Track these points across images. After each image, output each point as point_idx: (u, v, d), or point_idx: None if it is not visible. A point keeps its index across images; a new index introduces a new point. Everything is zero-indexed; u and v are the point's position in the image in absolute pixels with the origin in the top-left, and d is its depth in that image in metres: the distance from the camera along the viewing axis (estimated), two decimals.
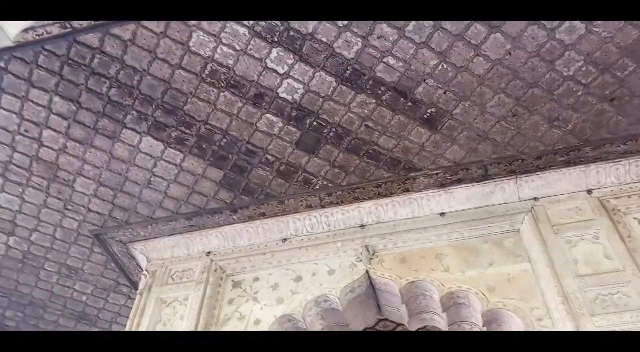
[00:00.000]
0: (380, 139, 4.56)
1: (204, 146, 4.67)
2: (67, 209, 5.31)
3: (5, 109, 4.36)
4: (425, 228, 5.04)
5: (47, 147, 4.67)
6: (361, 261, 5.06)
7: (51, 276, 6.16)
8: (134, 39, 3.89)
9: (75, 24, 3.73)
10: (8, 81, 4.12)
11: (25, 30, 3.32)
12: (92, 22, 3.67)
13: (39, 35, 3.75)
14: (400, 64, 4.02)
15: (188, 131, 4.54)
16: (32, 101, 4.30)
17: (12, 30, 2.71)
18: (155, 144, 4.65)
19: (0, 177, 4.98)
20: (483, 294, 4.50)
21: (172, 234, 5.56)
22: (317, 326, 4.96)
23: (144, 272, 5.60)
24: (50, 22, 3.23)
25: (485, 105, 4.29)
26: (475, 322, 4.71)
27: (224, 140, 4.62)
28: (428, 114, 4.37)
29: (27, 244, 5.74)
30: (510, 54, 3.95)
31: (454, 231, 4.97)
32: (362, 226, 5.21)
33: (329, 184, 4.97)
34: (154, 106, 4.35)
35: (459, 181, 4.89)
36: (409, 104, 4.29)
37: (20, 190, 5.10)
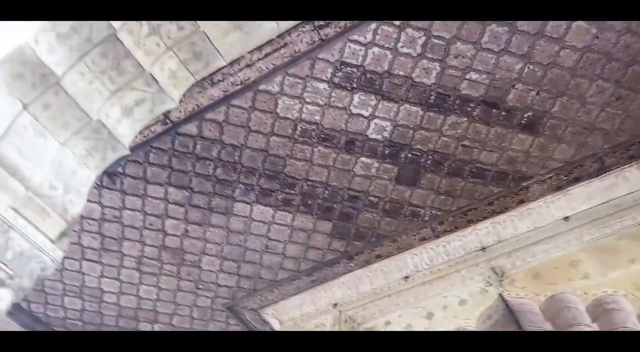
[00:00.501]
0: (481, 156, 4.45)
1: (309, 202, 4.81)
2: (198, 288, 5.63)
3: (130, 209, 4.80)
4: (551, 237, 4.76)
5: (171, 235, 5.05)
6: (491, 284, 4.86)
7: None
8: (227, 118, 4.17)
9: (173, 117, 4.09)
10: (128, 183, 4.56)
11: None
12: (188, 112, 3.99)
13: (145, 137, 4.14)
14: (484, 76, 3.96)
15: (292, 191, 4.71)
16: (150, 196, 4.71)
17: (126, 139, 3.02)
18: (265, 210, 4.86)
19: (136, 271, 5.42)
20: (633, 294, 4.14)
21: (297, 293, 5.69)
22: None
23: None
24: (152, 121, 3.56)
25: (584, 96, 4.07)
26: (632, 326, 4.30)
27: (326, 192, 4.73)
28: (525, 119, 4.21)
29: (170, 329, 6.13)
30: (597, 37, 3.75)
31: (583, 234, 4.64)
32: (483, 248, 5.02)
33: (438, 212, 4.88)
34: (257, 175, 4.58)
35: (576, 180, 4.60)
36: (503, 113, 4.17)
37: (155, 279, 5.51)
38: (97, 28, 2.74)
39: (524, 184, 4.65)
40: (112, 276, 5.57)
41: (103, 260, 5.41)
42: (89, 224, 4.92)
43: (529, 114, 4.18)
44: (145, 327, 6.12)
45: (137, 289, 5.67)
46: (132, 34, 2.84)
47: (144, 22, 2.76)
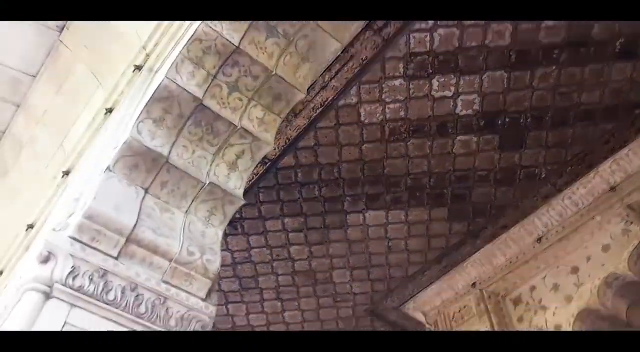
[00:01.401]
0: (583, 97, 4.20)
1: (417, 195, 4.80)
2: (337, 301, 5.83)
3: (256, 247, 5.10)
4: None
5: (299, 260, 5.28)
6: (632, 223, 4.55)
7: None
8: (318, 142, 4.31)
9: (270, 155, 4.28)
10: (248, 226, 4.86)
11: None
12: (282, 147, 4.17)
13: (251, 181, 4.37)
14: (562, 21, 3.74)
15: (398, 189, 4.74)
16: (270, 231, 4.97)
17: (239, 191, 3.22)
18: (377, 215, 4.93)
19: (277, 300, 5.73)
20: None
21: (431, 283, 5.68)
22: (622, 308, 4.52)
23: (427, 326, 5.76)
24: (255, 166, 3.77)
25: None
26: None
27: (432, 180, 4.70)
28: (619, 47, 3.91)
29: None
30: None
31: None
32: (612, 188, 4.70)
33: (554, 167, 4.66)
34: (360, 184, 4.66)
35: None
36: (592, 49, 3.90)
37: (296, 304, 5.78)
38: (185, 103, 2.95)
39: (637, 111, 4.31)
40: (257, 311, 5.93)
41: (245, 299, 5.78)
42: (225, 270, 5.26)
43: (621, 41, 3.87)
44: None
45: (283, 317, 5.98)
46: (215, 97, 3.03)
47: (223, 85, 2.94)
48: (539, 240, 5.10)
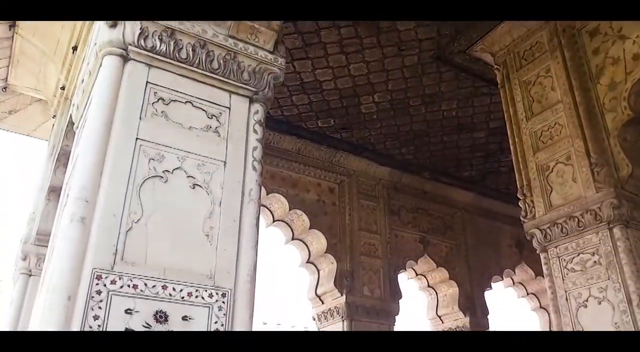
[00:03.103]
0: None
1: None
2: (402, 49, 5.75)
3: None
4: None
5: None
6: None
7: (419, 109, 6.92)
8: None
9: None
10: None
11: None
12: None
13: None
14: None
15: None
16: None
17: None
18: None
19: (341, 54, 5.70)
20: None
21: (501, 22, 5.39)
22: None
23: (495, 67, 5.67)
24: None
25: None
26: None
27: None
28: None
29: (388, 94, 6.56)
30: None
31: None
32: None
33: None
34: None
35: None
36: None
37: (360, 55, 5.76)
38: None
39: None
40: (323, 66, 6.01)
41: (309, 55, 5.81)
42: (286, 26, 5.17)
43: None
44: (366, 99, 6.64)
45: (349, 70, 6.06)
46: None
47: None
48: None
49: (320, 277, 7.31)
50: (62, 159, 4.47)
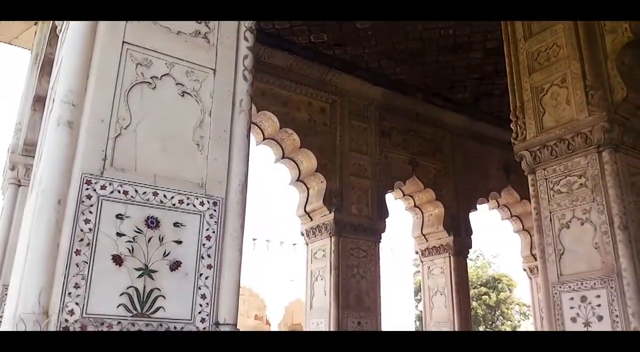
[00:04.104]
0: None
1: None
2: None
3: None
4: None
5: None
6: None
7: (415, 26, 6.70)
8: None
9: None
10: None
11: None
12: None
13: None
14: None
15: None
16: None
17: None
18: None
19: None
20: None
21: None
22: None
23: None
24: None
25: None
26: None
27: None
28: None
29: None
30: None
31: None
32: None
33: None
34: None
35: None
36: None
37: None
38: None
39: None
40: None
41: None
42: None
43: None
44: None
45: None
46: None
47: None
48: None
49: (310, 195, 7.41)
50: (47, 67, 4.32)
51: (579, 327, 4.04)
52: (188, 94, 2.43)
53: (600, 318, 3.93)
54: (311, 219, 7.35)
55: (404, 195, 8.66)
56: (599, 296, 3.98)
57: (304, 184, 7.47)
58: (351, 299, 6.82)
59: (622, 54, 4.30)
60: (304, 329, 7.27)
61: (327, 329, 6.68)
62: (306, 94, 7.36)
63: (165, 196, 2.19)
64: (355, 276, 6.95)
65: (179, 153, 2.31)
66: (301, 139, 7.16)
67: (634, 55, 4.37)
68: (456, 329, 7.89)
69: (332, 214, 7.02)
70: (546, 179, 4.53)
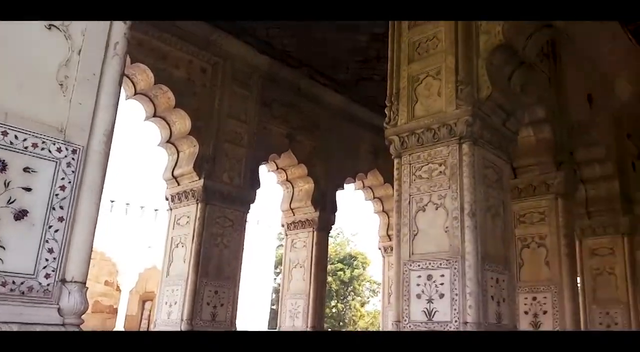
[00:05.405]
0: None
1: None
2: None
3: None
4: None
5: None
6: None
7: None
8: None
9: None
10: None
11: None
12: None
13: None
14: None
15: None
16: None
17: None
18: None
19: None
20: None
21: None
22: None
23: None
24: None
25: None
26: None
27: None
28: None
29: None
30: None
31: None
32: None
33: None
34: None
35: None
36: None
37: None
38: None
39: None
40: None
41: None
42: None
43: None
44: None
45: None
46: None
47: None
48: None
49: (180, 158, 7.12)
50: None
51: (422, 303, 4.37)
52: (56, 27, 2.16)
53: (442, 296, 4.29)
54: (178, 184, 7.08)
55: (278, 168, 8.70)
56: (443, 276, 4.33)
57: (175, 146, 7.15)
58: (211, 268, 6.73)
59: (492, 55, 4.66)
60: (157, 296, 7.01)
61: (182, 297, 6.51)
62: (187, 51, 7.00)
63: (16, 137, 1.94)
64: (219, 245, 6.86)
65: (38, 92, 2.06)
66: (176, 98, 6.82)
67: (502, 58, 4.77)
68: (310, 301, 8.16)
69: (202, 180, 6.82)
70: (410, 164, 4.80)
